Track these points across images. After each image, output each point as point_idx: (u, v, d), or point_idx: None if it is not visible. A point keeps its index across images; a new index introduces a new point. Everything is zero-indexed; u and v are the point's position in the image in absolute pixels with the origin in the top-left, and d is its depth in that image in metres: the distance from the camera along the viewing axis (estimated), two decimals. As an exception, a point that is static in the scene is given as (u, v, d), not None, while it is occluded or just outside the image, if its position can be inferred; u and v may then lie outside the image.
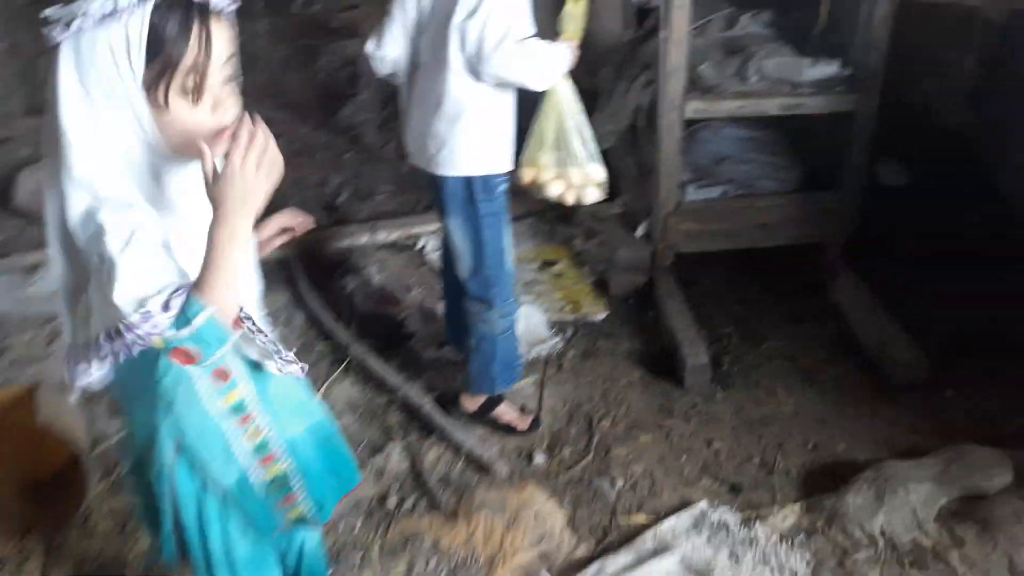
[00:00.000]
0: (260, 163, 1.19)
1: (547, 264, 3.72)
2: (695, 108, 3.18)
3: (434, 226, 3.98)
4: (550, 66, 2.37)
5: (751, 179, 3.48)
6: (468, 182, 2.44)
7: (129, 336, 1.16)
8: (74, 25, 1.14)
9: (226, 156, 1.18)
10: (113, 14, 1.14)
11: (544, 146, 2.51)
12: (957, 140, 3.78)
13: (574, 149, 2.48)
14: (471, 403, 2.78)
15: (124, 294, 1.15)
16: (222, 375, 1.37)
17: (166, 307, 1.16)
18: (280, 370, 1.37)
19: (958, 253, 3.35)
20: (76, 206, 1.20)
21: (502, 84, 2.35)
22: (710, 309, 3.32)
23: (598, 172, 2.54)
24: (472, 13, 2.25)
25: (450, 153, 2.41)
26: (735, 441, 2.70)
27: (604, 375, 3.02)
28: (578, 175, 2.53)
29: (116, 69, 1.16)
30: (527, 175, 2.56)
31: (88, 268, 1.22)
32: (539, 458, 2.66)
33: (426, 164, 2.49)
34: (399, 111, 2.63)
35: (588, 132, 2.50)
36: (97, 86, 1.17)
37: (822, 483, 2.52)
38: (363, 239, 3.87)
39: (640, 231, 3.47)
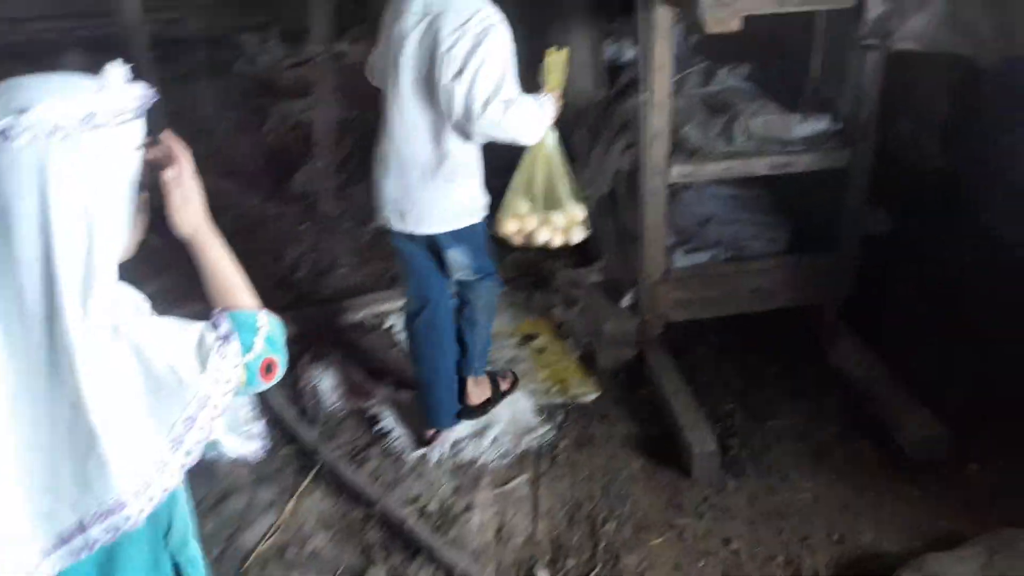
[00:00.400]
0: (189, 173, 1.23)
1: (527, 338, 3.46)
2: (680, 172, 2.97)
3: (401, 302, 3.72)
4: (538, 120, 2.40)
5: (739, 240, 3.29)
6: (465, 228, 2.55)
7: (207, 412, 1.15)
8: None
9: (164, 186, 1.21)
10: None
11: (528, 195, 2.54)
12: (937, 182, 3.65)
13: (560, 193, 2.53)
14: (478, 393, 2.92)
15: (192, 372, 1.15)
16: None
17: (225, 340, 1.18)
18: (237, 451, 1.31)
19: (958, 303, 3.20)
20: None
21: (490, 140, 2.40)
22: (707, 382, 3.10)
23: (580, 211, 2.60)
24: (458, 74, 2.27)
25: (443, 212, 2.49)
26: (754, 538, 2.46)
27: (603, 467, 2.77)
28: (563, 218, 2.57)
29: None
30: (509, 227, 2.60)
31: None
32: (541, 574, 2.38)
33: (415, 227, 2.54)
34: (372, 176, 2.64)
35: (571, 174, 2.57)
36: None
37: (856, 581, 2.29)
38: (326, 320, 3.59)
39: (626, 301, 3.24)
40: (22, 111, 1.06)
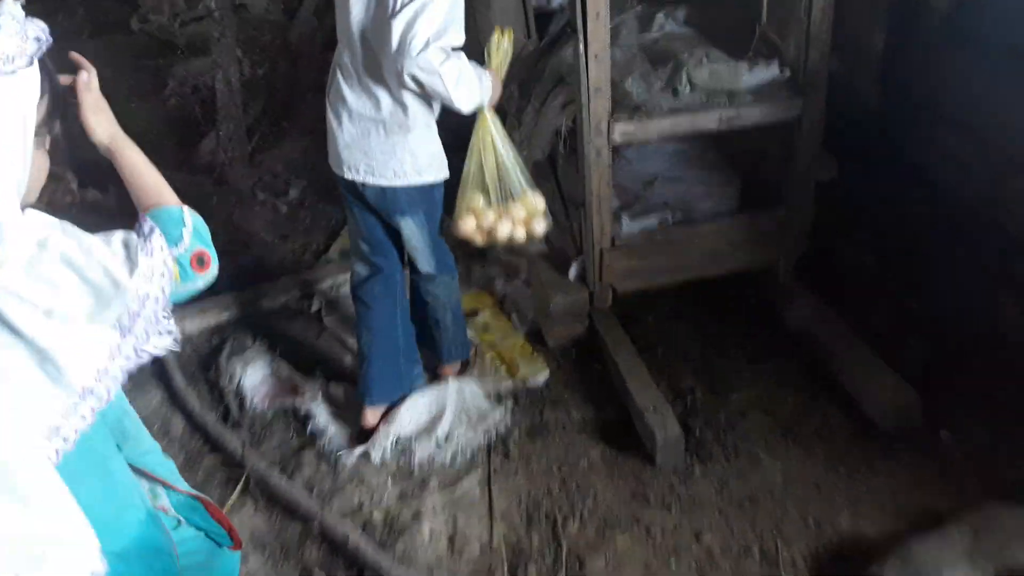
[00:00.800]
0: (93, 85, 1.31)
1: (469, 315, 3.21)
2: (623, 131, 2.73)
3: (329, 280, 3.43)
4: (478, 87, 2.23)
5: (687, 200, 3.08)
6: (420, 189, 2.40)
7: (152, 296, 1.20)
8: None
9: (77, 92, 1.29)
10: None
11: (480, 187, 2.38)
12: (876, 122, 3.48)
13: (512, 182, 2.36)
14: (452, 370, 2.84)
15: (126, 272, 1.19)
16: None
17: (148, 237, 1.22)
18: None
19: (908, 251, 3.07)
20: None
21: (424, 92, 2.20)
22: (663, 355, 2.92)
23: (539, 200, 2.42)
24: (401, 8, 2.08)
25: (400, 164, 2.34)
26: (727, 529, 2.30)
27: (559, 458, 2.57)
28: (521, 209, 2.40)
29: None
30: (467, 225, 2.41)
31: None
32: (502, 587, 2.19)
33: (366, 176, 2.39)
34: (328, 126, 2.45)
35: (520, 162, 2.38)
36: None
37: (837, 570, 2.16)
38: (246, 308, 3.28)
39: (573, 273, 3.02)
40: None
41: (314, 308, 3.32)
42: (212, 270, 1.30)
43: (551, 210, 3.24)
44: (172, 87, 5.12)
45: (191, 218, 1.29)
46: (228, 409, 2.81)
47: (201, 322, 3.17)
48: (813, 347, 2.86)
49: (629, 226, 2.96)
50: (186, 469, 2.60)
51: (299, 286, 3.40)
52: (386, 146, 2.34)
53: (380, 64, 2.24)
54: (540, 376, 2.86)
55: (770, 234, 3.01)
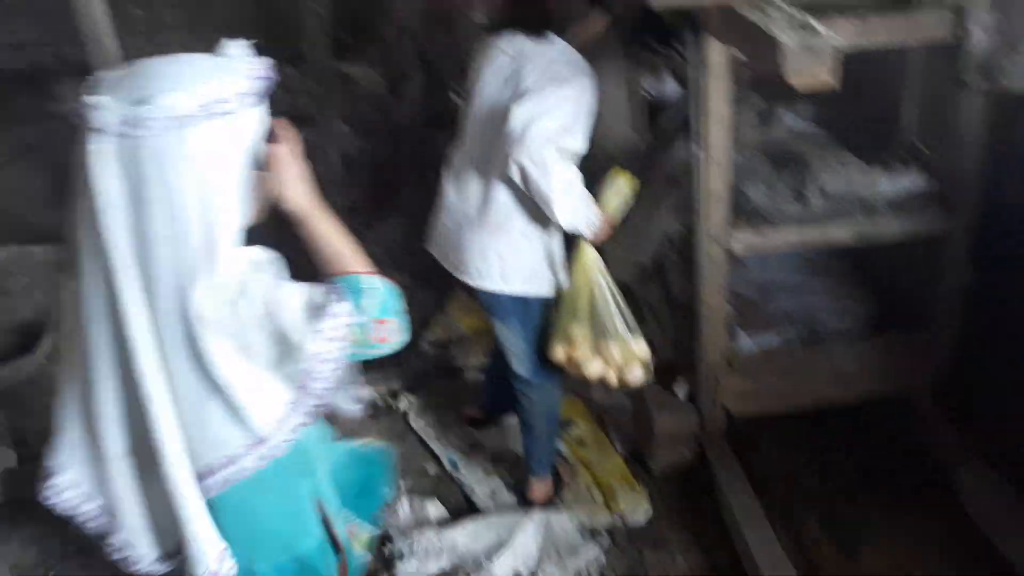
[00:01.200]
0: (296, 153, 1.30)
1: (562, 426, 2.95)
2: (744, 242, 2.47)
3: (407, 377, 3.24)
4: (585, 211, 2.13)
5: (812, 314, 2.78)
6: (511, 298, 2.28)
7: (322, 365, 1.24)
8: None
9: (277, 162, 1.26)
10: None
11: (576, 318, 2.25)
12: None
13: (609, 321, 2.23)
14: (542, 491, 2.61)
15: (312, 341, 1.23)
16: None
17: (336, 301, 1.23)
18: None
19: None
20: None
21: (527, 188, 2.07)
22: (783, 495, 2.58)
23: (642, 349, 2.28)
24: (527, 97, 2.03)
25: (487, 266, 2.24)
26: None
27: (661, 616, 2.27)
28: (619, 351, 2.26)
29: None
30: (560, 351, 2.31)
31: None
32: None
33: (454, 269, 2.33)
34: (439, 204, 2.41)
35: (624, 306, 2.26)
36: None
37: None
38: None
39: (681, 391, 2.74)
40: (142, 103, 1.13)
41: (401, 408, 3.14)
42: (396, 340, 1.31)
43: (657, 315, 3.02)
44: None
45: (383, 287, 1.29)
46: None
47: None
48: (961, 497, 2.48)
49: (748, 343, 2.67)
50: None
51: (382, 382, 3.22)
52: (472, 243, 2.25)
53: (491, 153, 2.14)
54: (640, 513, 2.57)
55: (910, 358, 2.67)
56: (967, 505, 2.45)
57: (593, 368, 2.27)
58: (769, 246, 2.53)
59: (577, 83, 2.09)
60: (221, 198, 1.19)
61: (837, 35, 1.75)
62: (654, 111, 3.17)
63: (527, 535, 2.48)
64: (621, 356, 2.24)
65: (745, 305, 2.83)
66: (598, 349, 2.25)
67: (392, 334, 1.29)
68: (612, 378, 2.29)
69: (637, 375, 2.28)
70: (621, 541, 2.49)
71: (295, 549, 1.44)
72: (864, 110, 2.85)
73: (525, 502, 2.63)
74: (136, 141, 1.13)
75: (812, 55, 1.76)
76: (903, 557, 2.34)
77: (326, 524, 1.50)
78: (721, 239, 2.46)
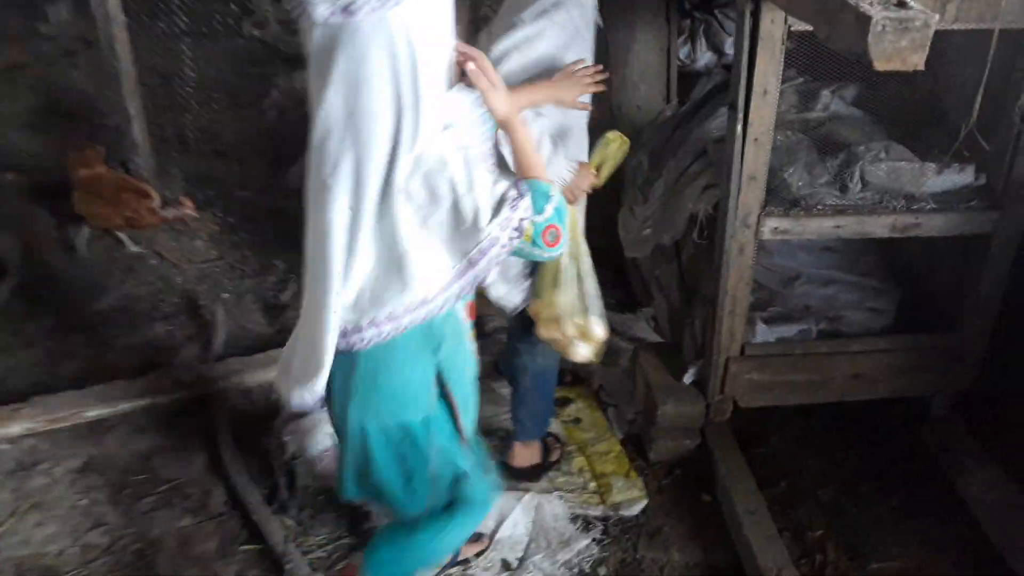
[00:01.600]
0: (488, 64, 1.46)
1: (559, 403, 2.79)
2: (776, 228, 2.30)
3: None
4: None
5: (835, 308, 2.62)
6: None
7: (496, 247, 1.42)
8: None
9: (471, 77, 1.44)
10: None
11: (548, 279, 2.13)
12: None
13: (569, 290, 2.10)
14: (525, 456, 2.50)
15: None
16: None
17: (520, 196, 1.42)
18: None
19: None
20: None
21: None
22: (788, 493, 2.44)
23: (598, 329, 2.14)
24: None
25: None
26: None
27: (653, 613, 2.13)
28: (573, 328, 2.13)
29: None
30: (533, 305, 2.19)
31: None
32: None
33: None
34: None
35: (596, 288, 2.13)
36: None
37: None
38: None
39: (689, 377, 2.58)
40: None
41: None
42: (558, 248, 1.49)
43: (665, 294, 2.86)
44: (273, 98, 4.88)
45: (558, 198, 1.47)
46: (276, 487, 2.46)
47: (263, 375, 2.83)
48: (974, 508, 2.35)
49: (764, 333, 2.52)
50: (218, 554, 2.27)
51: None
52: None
53: None
54: (636, 506, 2.42)
55: (936, 360, 2.52)
56: (977, 512, 2.34)
57: (546, 331, 2.16)
58: (802, 233, 2.36)
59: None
60: (426, 72, 1.31)
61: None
62: (687, 80, 2.99)
63: (514, 521, 2.34)
64: (577, 332, 2.12)
65: (763, 292, 2.67)
66: (563, 317, 2.12)
67: (557, 241, 1.46)
68: (561, 345, 2.18)
69: (582, 353, 2.17)
70: (614, 531, 2.34)
71: (401, 416, 1.58)
72: (909, 95, 2.67)
73: (512, 476, 2.47)
74: (347, 24, 1.26)
75: (906, 34, 1.57)
76: (911, 565, 2.21)
77: (451, 409, 1.65)
78: (752, 225, 2.29)
